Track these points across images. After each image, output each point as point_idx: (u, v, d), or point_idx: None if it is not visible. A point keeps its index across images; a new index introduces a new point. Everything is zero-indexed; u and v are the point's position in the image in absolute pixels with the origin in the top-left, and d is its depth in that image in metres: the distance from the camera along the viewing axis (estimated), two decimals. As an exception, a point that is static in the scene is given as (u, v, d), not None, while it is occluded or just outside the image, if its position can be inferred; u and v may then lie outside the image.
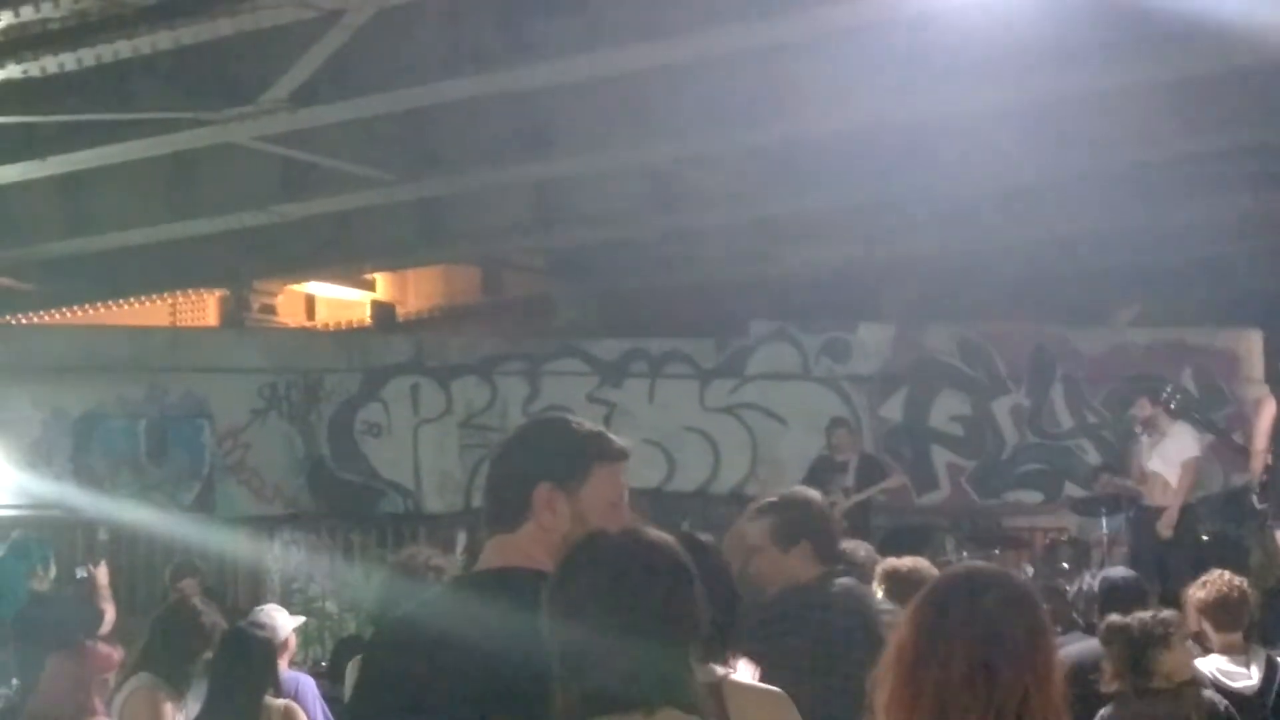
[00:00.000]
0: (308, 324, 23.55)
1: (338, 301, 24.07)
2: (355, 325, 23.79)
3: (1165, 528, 14.81)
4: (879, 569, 8.20)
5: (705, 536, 5.27)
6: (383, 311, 24.07)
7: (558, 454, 3.96)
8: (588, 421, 4.11)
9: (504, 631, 3.68)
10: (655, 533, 3.74)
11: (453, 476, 19.38)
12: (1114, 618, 7.72)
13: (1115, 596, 8.75)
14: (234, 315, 21.14)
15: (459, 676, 3.62)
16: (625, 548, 3.63)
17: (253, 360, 19.34)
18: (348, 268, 20.76)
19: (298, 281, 21.77)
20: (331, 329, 23.52)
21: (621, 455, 4.03)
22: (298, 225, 17.01)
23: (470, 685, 3.60)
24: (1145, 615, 7.67)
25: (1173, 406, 15.58)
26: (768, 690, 4.63)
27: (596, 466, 3.97)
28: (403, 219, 17.71)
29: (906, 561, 8.34)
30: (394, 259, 19.98)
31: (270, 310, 21.09)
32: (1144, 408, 15.57)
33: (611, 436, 4.07)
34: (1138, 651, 7.45)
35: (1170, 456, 15.20)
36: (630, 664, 3.47)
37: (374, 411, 19.32)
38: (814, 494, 7.13)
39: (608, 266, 20.08)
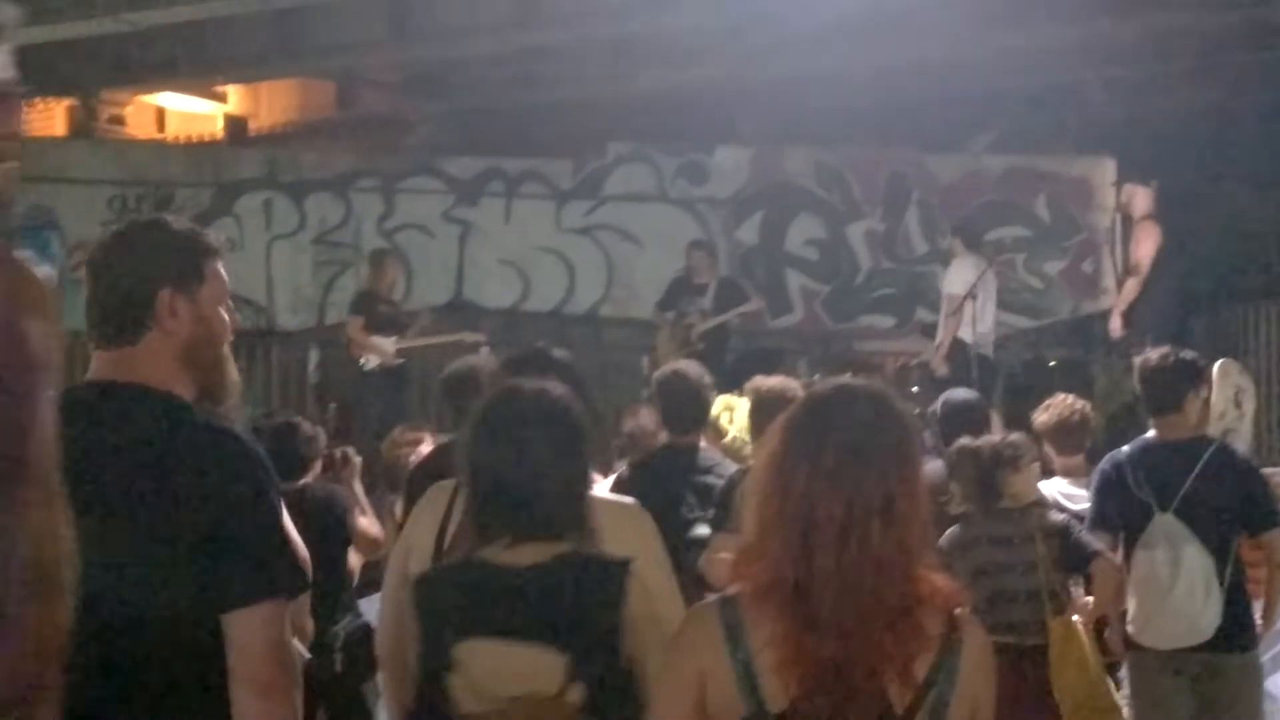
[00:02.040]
0: (158, 136, 23.16)
1: (189, 114, 23.67)
2: (207, 139, 23.43)
3: (937, 362, 15.01)
4: (746, 386, 8.31)
5: (560, 352, 5.38)
6: (235, 125, 23.71)
7: (173, 256, 3.86)
8: (181, 219, 4.02)
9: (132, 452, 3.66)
10: (559, 387, 4.43)
11: (305, 293, 19.27)
12: (964, 440, 7.85)
13: (955, 419, 8.89)
14: (83, 126, 20.75)
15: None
16: (536, 401, 4.32)
17: (102, 172, 19.03)
18: (200, 80, 20.40)
19: (148, 92, 21.37)
20: (183, 142, 23.16)
21: (220, 250, 3.97)
22: (149, 34, 16.68)
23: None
24: (995, 438, 7.81)
25: (962, 238, 15.77)
26: (622, 502, 5.04)
27: (208, 264, 3.90)
28: (257, 30, 17.41)
29: (773, 380, 8.43)
30: (247, 71, 19.64)
31: (120, 121, 20.71)
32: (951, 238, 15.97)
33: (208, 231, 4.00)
34: (986, 473, 7.59)
35: (950, 289, 15.40)
36: (526, 499, 4.21)
37: (226, 226, 19.06)
38: None
39: (465, 84, 19.87)
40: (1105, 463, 7.98)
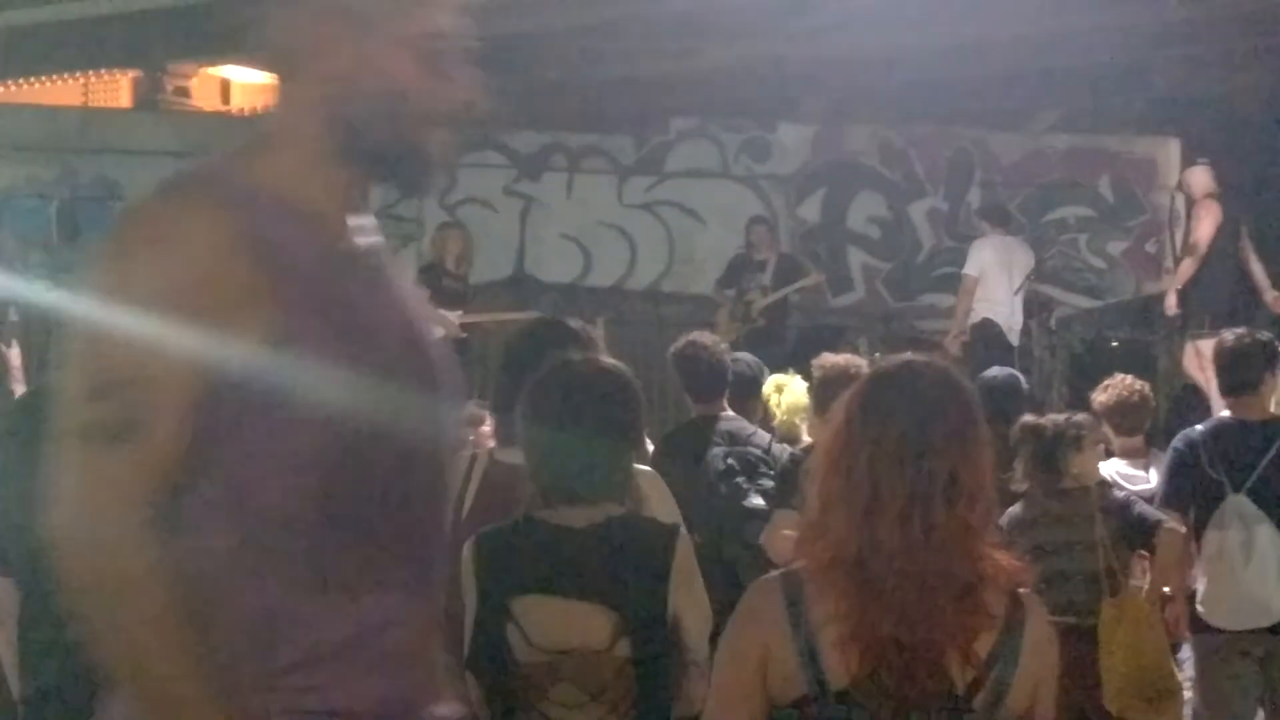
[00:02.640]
0: (223, 108, 23.22)
1: (254, 86, 23.69)
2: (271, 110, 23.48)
3: (950, 343, 15.04)
4: (813, 363, 8.37)
5: (575, 323, 5.58)
6: (299, 98, 23.75)
7: None
8: None
9: None
10: (610, 362, 4.81)
11: (368, 265, 19.28)
12: (1028, 418, 7.84)
13: (993, 396, 8.90)
14: (147, 98, 20.82)
15: None
16: (593, 372, 4.66)
17: (166, 143, 19.07)
18: (265, 52, 20.44)
19: (213, 64, 21.41)
20: (247, 114, 23.21)
21: None
22: (213, 6, 16.70)
23: None
24: (1059, 417, 7.80)
25: (986, 218, 15.80)
26: (642, 470, 5.36)
27: None
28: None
29: (839, 357, 8.47)
30: (312, 44, 19.66)
31: (184, 93, 20.78)
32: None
33: None
34: (1049, 451, 7.57)
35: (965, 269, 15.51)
36: (582, 465, 4.52)
37: (289, 200, 19.14)
38: None
39: (528, 58, 19.84)
40: (1178, 441, 7.97)
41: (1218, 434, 7.85)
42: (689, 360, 8.42)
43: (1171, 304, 14.31)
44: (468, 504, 5.02)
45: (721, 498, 7.82)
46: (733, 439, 8.09)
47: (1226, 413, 8.04)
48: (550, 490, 4.55)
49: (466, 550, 4.54)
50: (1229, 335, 8.20)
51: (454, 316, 15.49)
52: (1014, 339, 15.46)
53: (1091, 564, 7.35)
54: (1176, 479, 7.85)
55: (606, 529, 4.48)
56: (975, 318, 15.36)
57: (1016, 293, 15.54)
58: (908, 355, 3.86)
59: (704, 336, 8.74)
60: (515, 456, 4.94)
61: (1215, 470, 7.68)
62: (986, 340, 14.88)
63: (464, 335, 15.54)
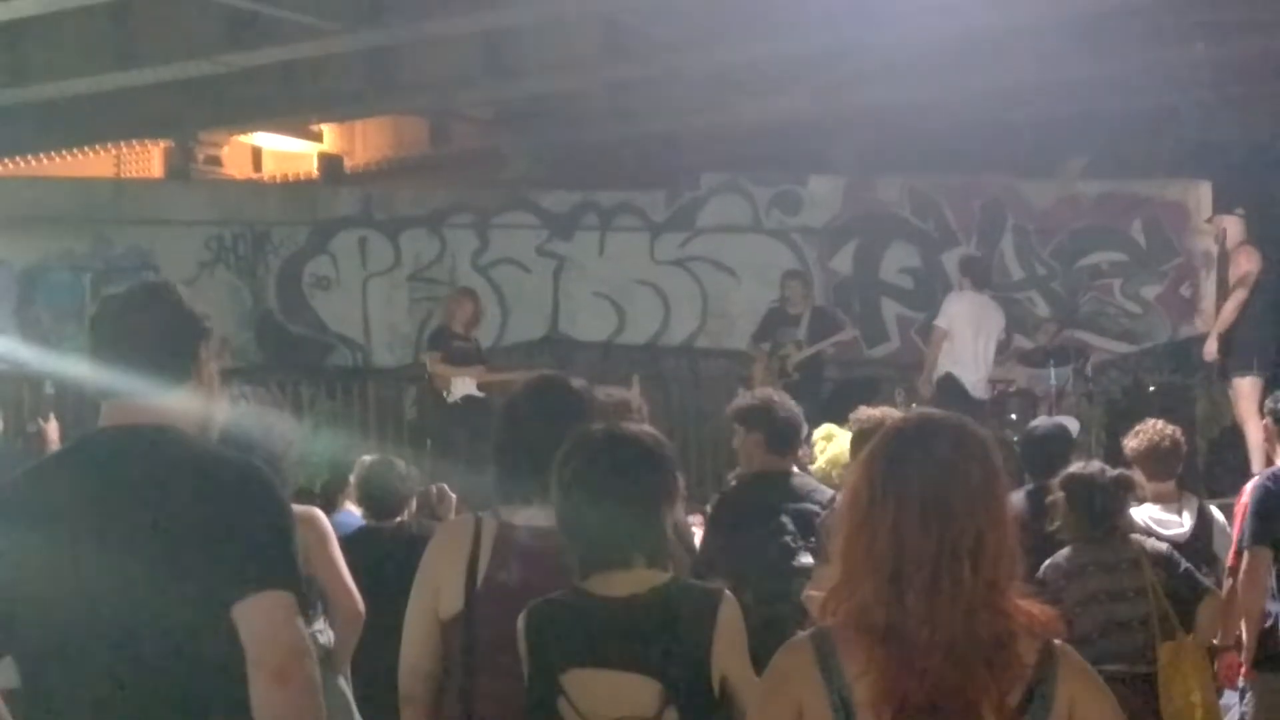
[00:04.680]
0: (254, 176, 23.35)
1: (284, 154, 23.84)
2: (302, 178, 23.60)
3: (922, 386, 15.27)
4: (851, 417, 8.35)
5: (577, 380, 5.42)
6: (330, 164, 23.85)
7: (198, 316, 4.21)
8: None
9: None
10: (637, 427, 4.85)
11: (401, 330, 19.35)
12: (1074, 467, 7.82)
13: (1037, 450, 8.90)
14: (179, 167, 20.92)
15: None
16: (619, 440, 4.66)
17: (199, 212, 19.18)
18: (294, 119, 20.55)
19: (244, 133, 21.54)
20: (279, 181, 23.33)
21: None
22: (243, 75, 16.80)
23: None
24: (1105, 467, 7.79)
25: (968, 275, 16.00)
26: None
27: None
28: (350, 69, 17.52)
29: (875, 411, 8.45)
30: (342, 110, 19.77)
31: (216, 162, 20.87)
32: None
33: None
34: (1099, 501, 7.55)
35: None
36: (620, 535, 4.54)
37: (322, 264, 19.23)
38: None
39: (558, 118, 19.93)
40: (1267, 479, 8.06)
41: None
42: (767, 413, 8.38)
43: (1211, 350, 14.25)
44: (482, 573, 4.94)
45: (777, 555, 7.82)
46: (797, 495, 8.08)
47: None
48: (589, 561, 4.58)
49: (520, 623, 4.55)
50: None
51: (472, 374, 15.60)
52: (981, 392, 15.56)
53: (1145, 610, 7.32)
54: (1266, 515, 7.92)
55: (649, 597, 4.51)
56: (940, 371, 15.51)
57: (989, 351, 15.70)
58: (926, 411, 3.85)
59: (778, 392, 8.76)
60: (521, 516, 4.95)
61: None
62: (947, 395, 14.96)
63: (481, 395, 15.61)
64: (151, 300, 4.19)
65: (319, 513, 7.49)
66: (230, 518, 3.82)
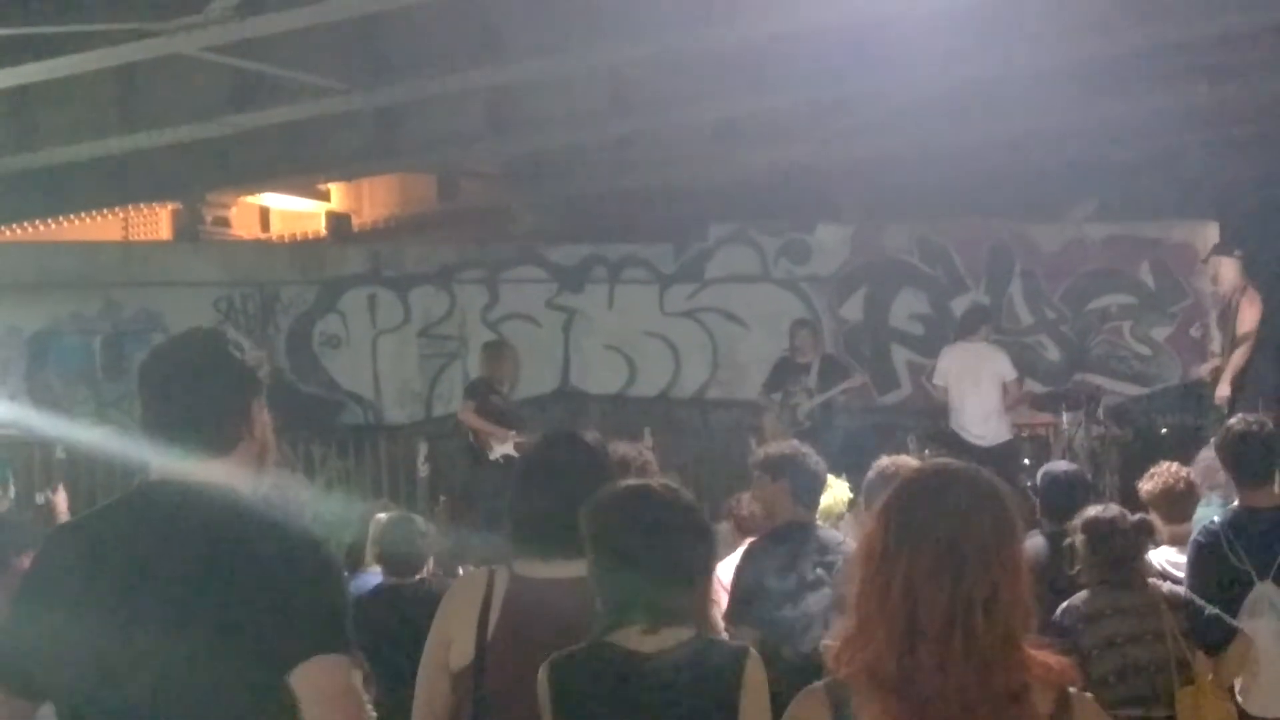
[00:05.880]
0: (262, 236, 23.38)
1: (292, 213, 23.88)
2: (311, 237, 23.63)
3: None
4: (875, 465, 8.36)
5: (591, 435, 5.43)
6: (338, 222, 23.89)
7: (252, 369, 4.16)
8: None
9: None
10: (671, 490, 4.78)
11: (412, 387, 19.36)
12: (1091, 511, 7.79)
13: (1055, 492, 8.87)
14: (187, 229, 20.97)
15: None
16: (650, 499, 4.67)
17: (208, 274, 19.23)
18: (301, 179, 20.57)
19: (251, 193, 21.58)
20: (287, 241, 23.37)
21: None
22: (250, 136, 16.83)
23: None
24: (1124, 511, 7.77)
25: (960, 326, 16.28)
26: None
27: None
28: (356, 128, 17.55)
29: (891, 460, 8.43)
30: (348, 169, 19.80)
31: (224, 223, 20.93)
32: None
33: None
34: (1118, 546, 7.52)
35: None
36: (650, 593, 4.54)
37: (332, 323, 19.26)
38: None
39: (565, 172, 19.96)
40: (1199, 534, 7.92)
41: (1238, 523, 7.82)
42: (795, 464, 8.37)
43: (1224, 394, 14.24)
44: (493, 624, 4.93)
45: (804, 608, 7.82)
46: (823, 548, 8.08)
47: (1236, 502, 8.03)
48: (618, 617, 4.58)
49: (542, 674, 4.54)
50: (1237, 423, 8.22)
51: (510, 435, 15.52)
52: (993, 439, 15.54)
53: (1162, 653, 7.28)
54: (1203, 571, 7.81)
55: (676, 655, 4.51)
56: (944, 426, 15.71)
57: (991, 395, 15.71)
58: (941, 461, 3.83)
59: (805, 445, 8.76)
60: (535, 569, 4.95)
61: (1241, 560, 7.66)
62: (951, 450, 14.99)
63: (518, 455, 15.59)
64: (204, 355, 4.10)
65: None
66: (287, 582, 3.78)
